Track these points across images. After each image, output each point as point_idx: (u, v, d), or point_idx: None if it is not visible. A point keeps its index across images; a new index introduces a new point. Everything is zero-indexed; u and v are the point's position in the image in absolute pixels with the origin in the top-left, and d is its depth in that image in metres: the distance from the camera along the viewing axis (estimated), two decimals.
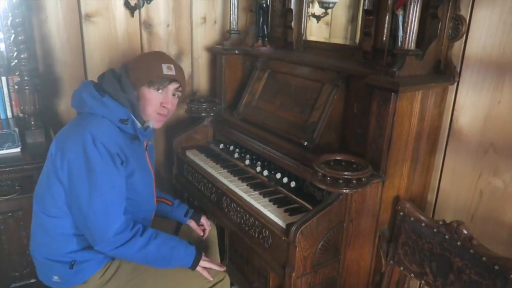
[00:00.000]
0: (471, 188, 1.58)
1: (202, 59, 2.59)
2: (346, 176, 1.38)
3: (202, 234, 1.85)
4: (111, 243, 1.36)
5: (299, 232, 1.38)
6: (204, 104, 2.25)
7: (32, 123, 1.91)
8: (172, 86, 1.53)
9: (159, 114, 1.54)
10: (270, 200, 1.67)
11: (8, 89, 1.97)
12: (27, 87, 1.86)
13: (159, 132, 2.47)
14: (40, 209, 1.46)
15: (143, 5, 2.29)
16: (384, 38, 1.63)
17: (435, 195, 1.71)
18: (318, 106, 1.74)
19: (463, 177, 1.60)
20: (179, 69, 1.55)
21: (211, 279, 1.54)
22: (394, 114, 1.43)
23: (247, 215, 1.68)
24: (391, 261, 1.58)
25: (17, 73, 1.90)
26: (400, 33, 1.52)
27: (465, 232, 1.34)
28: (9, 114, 2.00)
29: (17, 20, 1.78)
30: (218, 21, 2.57)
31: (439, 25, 1.50)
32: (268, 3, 2.23)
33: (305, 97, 1.83)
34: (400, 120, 1.45)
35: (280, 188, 1.78)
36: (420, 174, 1.63)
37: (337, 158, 1.51)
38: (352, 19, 1.96)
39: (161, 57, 1.56)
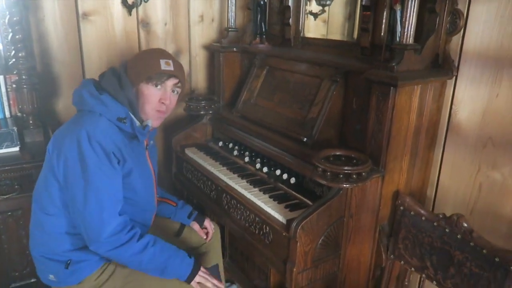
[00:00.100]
0: (470, 182, 1.59)
1: (200, 58, 2.59)
2: (346, 171, 1.38)
3: (205, 237, 1.83)
4: (106, 244, 1.34)
5: (299, 227, 1.38)
6: (203, 102, 2.25)
7: (31, 122, 1.91)
8: (171, 82, 1.51)
9: (158, 111, 1.51)
10: (270, 197, 1.68)
11: (6, 88, 1.97)
12: (25, 86, 1.86)
13: (158, 131, 2.47)
14: (38, 207, 1.46)
15: (140, 3, 2.29)
16: (382, 34, 1.63)
17: (434, 189, 1.72)
18: (317, 102, 1.74)
19: (462, 171, 1.61)
20: (177, 65, 1.53)
21: None
22: (393, 108, 1.43)
23: (247, 212, 1.68)
24: (392, 256, 1.59)
25: (15, 72, 1.90)
26: (398, 28, 1.52)
27: (465, 225, 1.34)
28: (7, 114, 2.00)
29: (14, 18, 1.78)
30: (215, 19, 2.57)
31: (437, 20, 1.50)
32: (265, 1, 2.23)
33: (304, 93, 1.83)
34: (399, 114, 1.46)
35: (280, 184, 1.78)
36: (420, 169, 1.64)
37: (337, 153, 1.51)
38: (349, 17, 1.97)
39: (159, 53, 1.54)
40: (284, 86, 1.95)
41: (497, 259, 1.25)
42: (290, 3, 2.05)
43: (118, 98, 1.43)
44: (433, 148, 1.67)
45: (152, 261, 1.39)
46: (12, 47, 1.85)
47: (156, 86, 1.48)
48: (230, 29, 2.30)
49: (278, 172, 1.81)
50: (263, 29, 2.26)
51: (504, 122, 1.45)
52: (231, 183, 1.83)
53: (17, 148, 1.82)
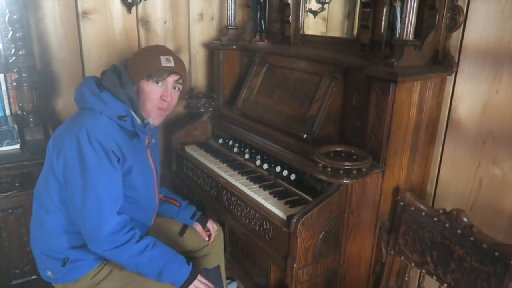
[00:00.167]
0: (470, 178, 1.59)
1: (199, 56, 2.60)
2: (346, 167, 1.39)
3: (207, 239, 1.80)
4: (104, 244, 1.34)
5: (300, 223, 1.38)
6: (203, 100, 2.26)
7: (31, 120, 1.91)
8: (172, 78, 1.49)
9: (159, 109, 1.50)
10: (270, 193, 1.68)
11: (6, 86, 1.97)
12: (25, 84, 1.86)
13: (158, 129, 2.47)
14: (38, 204, 1.47)
15: (140, 1, 2.29)
16: (381, 30, 1.64)
17: (434, 185, 1.72)
18: (316, 99, 1.75)
19: (462, 166, 1.61)
20: (178, 61, 1.51)
21: None
22: (393, 104, 1.43)
23: (248, 208, 1.68)
24: (392, 251, 1.59)
25: (15, 70, 1.90)
26: (398, 24, 1.53)
27: (465, 220, 1.35)
28: (8, 112, 2.00)
29: (14, 17, 1.78)
30: (215, 17, 2.58)
31: (437, 16, 1.51)
32: None
33: (304, 90, 1.83)
34: (399, 110, 1.46)
35: (280, 181, 1.78)
36: (420, 165, 1.64)
37: (337, 149, 1.52)
38: (349, 15, 1.97)
39: (159, 50, 1.53)
40: (284, 83, 1.95)
41: (497, 254, 1.25)
42: (289, 1, 2.06)
43: (118, 96, 1.42)
44: (433, 144, 1.67)
45: (149, 265, 1.38)
46: (12, 45, 1.85)
47: (157, 83, 1.47)
48: (229, 27, 2.30)
49: (278, 168, 1.81)
50: (263, 27, 2.26)
51: (504, 117, 1.46)
52: (232, 180, 1.83)
53: (17, 146, 1.82)
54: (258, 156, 1.95)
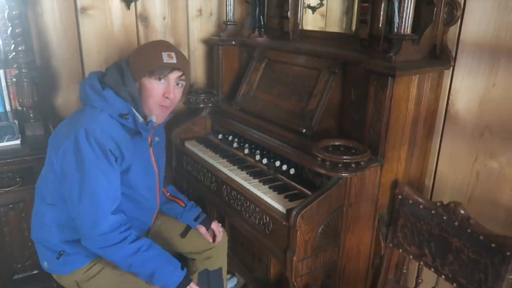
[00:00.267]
0: (467, 171, 1.61)
1: (198, 52, 2.60)
2: (345, 160, 1.40)
3: (211, 241, 1.77)
4: (97, 241, 1.35)
5: (299, 216, 1.40)
6: (202, 96, 2.26)
7: (31, 115, 1.92)
8: (174, 75, 1.46)
9: (162, 106, 1.48)
10: (270, 187, 1.69)
11: (6, 82, 1.98)
12: (25, 80, 1.87)
13: None
14: (39, 198, 1.50)
15: None
16: (380, 25, 1.65)
17: (432, 178, 1.74)
18: (315, 94, 1.76)
19: (459, 160, 1.63)
20: (181, 57, 1.49)
21: None
22: (391, 98, 1.44)
23: (248, 203, 1.69)
24: (390, 244, 1.61)
25: (15, 66, 1.90)
26: (396, 19, 1.54)
27: (463, 212, 1.36)
28: (8, 107, 2.01)
29: (14, 12, 1.79)
30: (214, 13, 2.58)
31: (434, 10, 1.52)
32: None
33: (303, 85, 1.84)
34: (397, 104, 1.47)
35: (280, 175, 1.79)
36: (418, 158, 1.66)
37: (336, 143, 1.53)
38: (347, 10, 1.98)
39: (161, 46, 1.50)
40: (283, 78, 1.96)
41: (493, 245, 1.27)
42: None
43: (120, 93, 1.41)
44: (431, 138, 1.68)
45: (142, 266, 1.38)
46: (12, 41, 1.85)
47: (159, 80, 1.45)
48: (228, 23, 2.31)
49: (277, 163, 1.83)
50: (262, 22, 2.27)
51: (500, 110, 1.47)
52: (231, 174, 1.84)
53: (18, 141, 1.83)
54: (258, 151, 1.96)
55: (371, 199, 1.57)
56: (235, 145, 2.10)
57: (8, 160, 1.72)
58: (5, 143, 1.80)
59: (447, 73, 1.60)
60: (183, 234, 1.78)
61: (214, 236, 1.79)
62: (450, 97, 1.61)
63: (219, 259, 1.84)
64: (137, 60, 1.47)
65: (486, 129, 1.52)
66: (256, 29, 2.28)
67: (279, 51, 2.04)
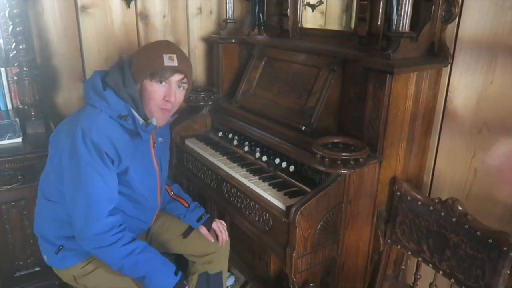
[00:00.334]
0: (465, 168, 1.62)
1: (198, 50, 2.61)
2: (344, 157, 1.41)
3: (212, 241, 1.75)
4: (90, 242, 1.35)
5: (299, 212, 1.41)
6: (202, 94, 2.27)
7: (32, 113, 1.93)
8: (175, 78, 1.45)
9: (163, 109, 1.46)
10: (269, 185, 1.70)
11: (7, 81, 1.99)
12: (26, 78, 1.88)
13: None
14: (41, 193, 1.52)
15: None
16: (379, 23, 1.65)
17: (430, 175, 1.75)
18: (315, 91, 1.77)
19: (458, 157, 1.64)
20: (182, 59, 1.46)
21: None
22: (390, 95, 1.45)
23: (248, 200, 1.71)
24: (389, 241, 1.62)
25: (16, 64, 1.91)
26: (395, 17, 1.54)
27: (460, 208, 1.38)
28: (9, 106, 2.02)
29: (14, 11, 1.80)
30: (213, 11, 2.59)
31: (433, 8, 1.52)
32: None
33: (302, 83, 1.85)
34: (396, 101, 1.48)
35: (279, 172, 1.81)
36: (416, 155, 1.67)
37: (335, 140, 1.54)
38: (347, 8, 1.98)
39: (163, 47, 1.47)
40: (283, 76, 1.97)
41: (490, 241, 1.28)
42: None
43: (120, 94, 1.40)
44: (429, 135, 1.70)
45: (133, 268, 1.38)
46: (13, 40, 1.86)
47: (160, 82, 1.43)
48: (228, 21, 2.32)
49: (277, 160, 1.84)
50: (261, 20, 2.27)
51: (498, 107, 1.48)
52: (231, 172, 1.85)
53: (19, 139, 1.84)
54: (258, 149, 1.97)
55: (369, 195, 1.58)
56: (235, 142, 2.11)
57: (10, 158, 1.73)
58: (6, 141, 1.82)
59: (445, 70, 1.61)
60: (185, 235, 1.77)
61: (217, 236, 1.78)
62: (448, 94, 1.62)
63: (220, 264, 1.83)
64: (138, 62, 1.46)
65: (484, 126, 1.53)
66: (255, 27, 2.28)
67: (279, 49, 2.05)
